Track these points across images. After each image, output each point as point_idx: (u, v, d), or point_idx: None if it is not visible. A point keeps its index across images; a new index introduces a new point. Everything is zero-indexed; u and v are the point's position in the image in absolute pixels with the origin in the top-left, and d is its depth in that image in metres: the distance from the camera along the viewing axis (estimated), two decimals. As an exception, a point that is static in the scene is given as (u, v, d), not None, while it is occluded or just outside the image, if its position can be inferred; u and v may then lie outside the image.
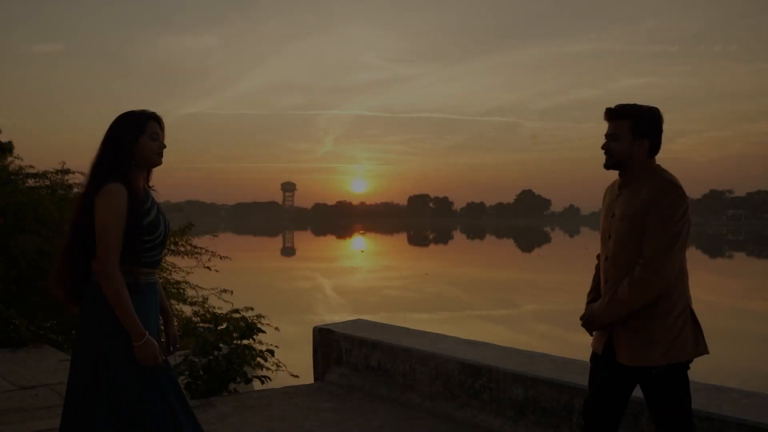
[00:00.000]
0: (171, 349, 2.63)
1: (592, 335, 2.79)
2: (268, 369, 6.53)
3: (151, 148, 2.46)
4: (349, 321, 5.55)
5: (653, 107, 2.67)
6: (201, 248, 9.01)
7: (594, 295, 2.83)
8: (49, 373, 5.50)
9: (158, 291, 2.55)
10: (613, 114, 2.67)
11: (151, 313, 2.48)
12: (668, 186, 2.55)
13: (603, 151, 2.69)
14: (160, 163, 2.51)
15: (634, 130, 2.62)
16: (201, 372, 4.47)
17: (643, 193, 2.57)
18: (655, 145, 2.66)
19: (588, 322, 2.73)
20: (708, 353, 2.68)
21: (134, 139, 2.43)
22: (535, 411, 3.74)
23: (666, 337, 2.55)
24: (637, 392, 3.40)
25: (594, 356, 2.79)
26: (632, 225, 2.57)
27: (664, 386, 2.60)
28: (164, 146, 2.50)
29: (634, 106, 2.66)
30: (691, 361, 2.67)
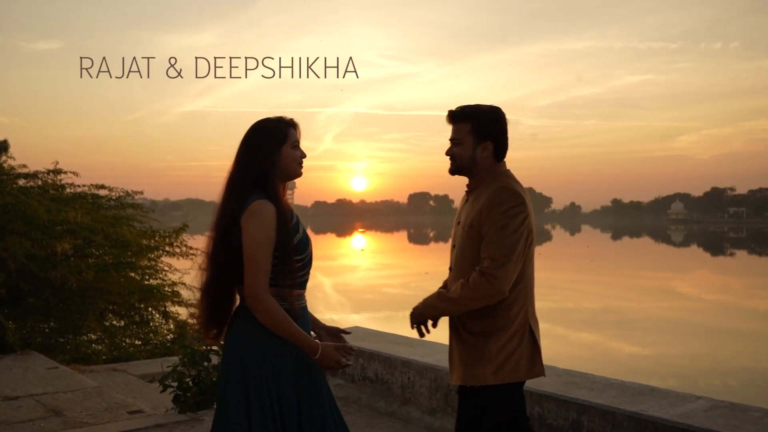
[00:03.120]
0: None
1: (412, 328, 2.63)
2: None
3: (293, 158, 2.21)
4: (346, 329, 5.34)
5: (495, 107, 2.53)
6: (196, 249, 8.84)
7: None
8: (35, 383, 5.30)
9: (308, 314, 2.32)
10: (454, 117, 2.52)
11: None
12: (505, 193, 2.39)
13: (448, 156, 2.55)
14: (301, 174, 2.25)
15: (475, 132, 2.47)
16: (190, 384, 4.28)
17: (482, 200, 2.41)
18: (501, 148, 2.51)
19: (415, 312, 2.58)
20: (544, 375, 2.50)
21: (278, 149, 2.18)
22: (541, 428, 3.54)
23: (499, 356, 2.39)
24: (648, 408, 3.22)
25: None
26: (470, 234, 2.42)
27: (486, 408, 2.44)
28: (305, 155, 2.25)
29: (475, 107, 2.51)
30: (523, 383, 2.49)
